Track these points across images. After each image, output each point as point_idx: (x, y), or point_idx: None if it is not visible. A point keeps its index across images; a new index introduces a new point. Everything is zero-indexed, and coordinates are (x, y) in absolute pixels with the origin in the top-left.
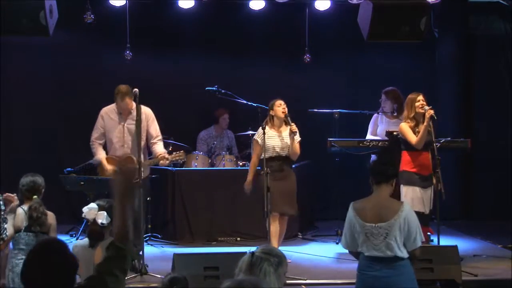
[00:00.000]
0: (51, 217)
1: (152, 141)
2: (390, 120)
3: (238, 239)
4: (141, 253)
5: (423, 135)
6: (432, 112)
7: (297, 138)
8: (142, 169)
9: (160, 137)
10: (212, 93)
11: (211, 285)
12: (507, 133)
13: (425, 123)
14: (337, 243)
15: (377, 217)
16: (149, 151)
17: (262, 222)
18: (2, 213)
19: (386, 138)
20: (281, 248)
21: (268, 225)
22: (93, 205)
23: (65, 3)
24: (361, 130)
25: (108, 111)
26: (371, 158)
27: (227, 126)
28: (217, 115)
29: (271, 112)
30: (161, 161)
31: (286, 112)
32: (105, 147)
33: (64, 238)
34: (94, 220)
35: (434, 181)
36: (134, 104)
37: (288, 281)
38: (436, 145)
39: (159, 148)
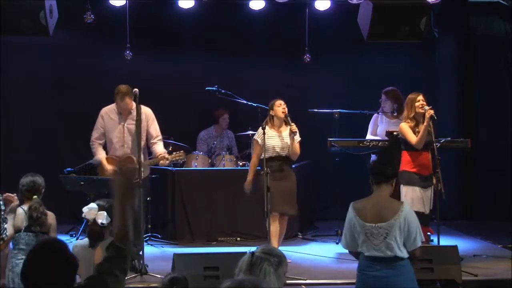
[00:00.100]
0: (51, 217)
1: (152, 141)
2: (390, 120)
3: (238, 239)
4: (141, 253)
5: (423, 135)
6: (432, 112)
7: (297, 138)
8: (142, 169)
9: (160, 137)
10: (212, 93)
11: (211, 285)
12: (507, 133)
13: (425, 123)
14: (337, 243)
15: (377, 217)
16: (149, 151)
17: (262, 222)
18: (2, 213)
19: (386, 138)
20: (281, 248)
21: (268, 225)
22: (93, 205)
23: (65, 3)
24: (361, 130)
25: (108, 111)
26: (371, 158)
27: (227, 126)
28: (217, 115)
29: (271, 112)
30: (161, 161)
31: (286, 112)
32: (105, 147)
33: (64, 238)
34: (94, 220)
35: (434, 181)
36: (134, 104)
37: (288, 281)
38: (436, 145)
39: (159, 148)
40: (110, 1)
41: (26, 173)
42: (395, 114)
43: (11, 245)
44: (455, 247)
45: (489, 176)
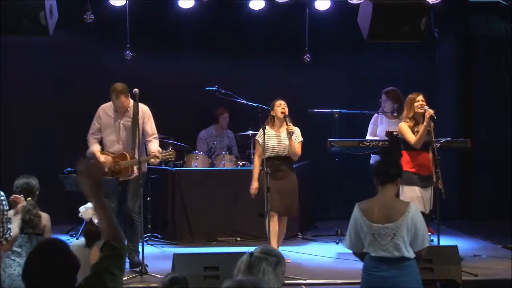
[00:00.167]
0: (45, 218)
1: (147, 139)
2: (390, 120)
3: (238, 239)
4: (140, 252)
5: (422, 135)
6: (432, 112)
7: (298, 138)
8: (136, 166)
9: (156, 135)
10: (212, 93)
11: (211, 285)
12: (507, 133)
13: (424, 123)
14: (337, 243)
15: (384, 217)
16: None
17: (262, 222)
18: (5, 213)
19: (386, 138)
20: (281, 248)
21: (268, 225)
22: (89, 204)
23: (65, 3)
24: (361, 130)
25: (106, 108)
26: (371, 158)
27: (227, 126)
28: (217, 114)
29: (272, 112)
30: (152, 160)
31: (286, 112)
32: (102, 144)
33: (64, 238)
34: (91, 220)
35: (435, 180)
36: (131, 102)
37: (288, 281)
38: (436, 145)
39: (153, 146)
40: (110, 1)
41: (21, 175)
42: (395, 114)
43: None
44: (455, 247)
45: (489, 176)
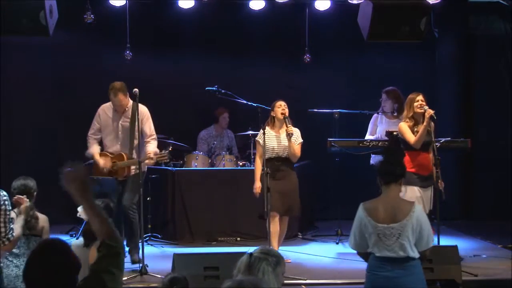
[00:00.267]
0: (43, 220)
1: (145, 140)
2: (390, 120)
3: (238, 239)
4: (140, 252)
5: (422, 135)
6: (431, 112)
7: (297, 140)
8: (133, 167)
9: (154, 136)
10: (212, 93)
11: (211, 285)
12: (507, 133)
13: (424, 123)
14: (337, 243)
15: (389, 217)
16: None
17: (262, 222)
18: (8, 213)
19: (386, 138)
20: (281, 248)
21: (268, 225)
22: None
23: (65, 3)
24: (361, 130)
25: (105, 108)
26: (371, 158)
27: (227, 126)
28: (217, 114)
29: (272, 113)
30: (147, 161)
31: (286, 113)
32: (102, 144)
33: (64, 238)
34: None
35: (435, 180)
36: (130, 102)
37: (288, 281)
38: (436, 145)
39: (149, 147)
40: (110, 1)
41: (19, 177)
42: (395, 114)
43: None
44: (455, 247)
45: (489, 176)
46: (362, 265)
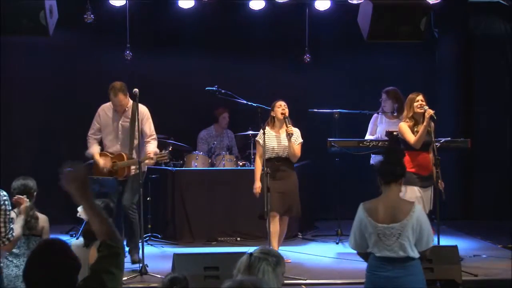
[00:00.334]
0: (43, 220)
1: (145, 140)
2: (390, 120)
3: (238, 239)
4: (140, 252)
5: (422, 135)
6: (431, 112)
7: (297, 140)
8: (133, 166)
9: (154, 136)
10: (212, 93)
11: (211, 285)
12: (507, 133)
13: (424, 123)
14: (337, 243)
15: (389, 217)
16: None
17: (262, 222)
18: (8, 213)
19: (385, 138)
20: (281, 248)
21: (268, 225)
22: None
23: (65, 3)
24: (361, 130)
25: (105, 108)
26: (371, 158)
27: (227, 125)
28: (217, 114)
29: (272, 113)
30: (147, 161)
31: (286, 113)
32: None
33: (64, 238)
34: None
35: (435, 180)
36: (130, 102)
37: (288, 281)
38: (436, 145)
39: (149, 147)
40: (110, 1)
41: (18, 176)
42: (395, 114)
43: None
44: (455, 247)
45: (489, 176)
46: (362, 265)
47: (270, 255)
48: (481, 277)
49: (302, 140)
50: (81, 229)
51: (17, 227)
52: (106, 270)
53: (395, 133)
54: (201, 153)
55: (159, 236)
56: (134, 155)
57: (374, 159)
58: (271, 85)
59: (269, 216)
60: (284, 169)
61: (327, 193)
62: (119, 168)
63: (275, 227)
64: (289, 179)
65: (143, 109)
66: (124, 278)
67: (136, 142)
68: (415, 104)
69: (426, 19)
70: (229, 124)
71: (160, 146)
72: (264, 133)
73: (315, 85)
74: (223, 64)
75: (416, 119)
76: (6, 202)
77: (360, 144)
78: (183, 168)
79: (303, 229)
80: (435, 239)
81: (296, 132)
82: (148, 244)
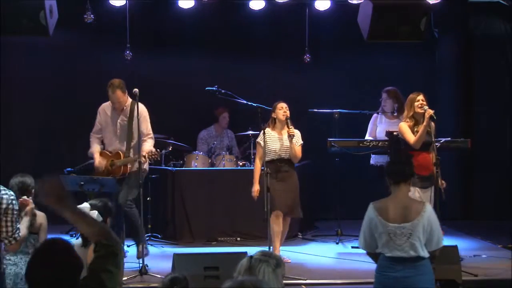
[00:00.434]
0: (41, 217)
1: (142, 139)
2: (390, 121)
3: (238, 239)
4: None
5: (421, 135)
6: (431, 112)
7: (298, 141)
8: (130, 165)
9: (151, 135)
10: (212, 93)
11: (211, 285)
12: (507, 133)
13: (424, 123)
14: (337, 243)
15: (400, 217)
16: None
17: (262, 222)
18: (15, 212)
19: (385, 138)
20: (281, 248)
21: (268, 225)
22: (85, 204)
23: (65, 3)
24: (361, 130)
25: (105, 107)
26: (371, 158)
27: (227, 125)
28: (217, 114)
29: (273, 115)
30: (140, 159)
31: (288, 115)
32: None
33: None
34: None
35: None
36: (129, 100)
37: (288, 281)
38: (436, 145)
39: (145, 146)
40: (110, 1)
41: (16, 174)
42: (395, 114)
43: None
44: (455, 247)
45: (489, 176)
46: (362, 265)
47: (270, 258)
48: (481, 277)
49: (302, 142)
50: None
51: (22, 228)
52: (104, 269)
53: (395, 133)
54: (201, 153)
55: (159, 236)
56: (131, 154)
57: (374, 159)
58: (271, 85)
59: (268, 216)
60: (286, 170)
61: (327, 193)
62: (116, 167)
63: (279, 226)
64: (291, 180)
65: (141, 108)
66: (124, 278)
67: (134, 140)
68: (416, 104)
69: (426, 19)
70: (229, 124)
71: (160, 146)
72: (264, 134)
73: (315, 85)
74: (223, 64)
75: (416, 119)
76: (14, 202)
77: (360, 144)
78: (183, 168)
79: (303, 229)
80: None
81: (297, 134)
82: (148, 244)
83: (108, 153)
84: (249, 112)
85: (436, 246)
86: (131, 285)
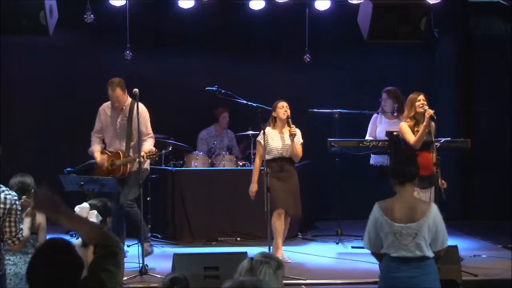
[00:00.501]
0: (40, 217)
1: (143, 138)
2: (389, 121)
3: (238, 239)
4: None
5: (421, 135)
6: (431, 112)
7: (299, 140)
8: (129, 164)
9: (151, 135)
10: (212, 93)
11: (211, 285)
12: (507, 133)
13: (424, 123)
14: (337, 243)
15: (406, 217)
16: None
17: (262, 222)
18: (19, 213)
19: (386, 138)
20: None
21: (268, 225)
22: (85, 204)
23: (65, 3)
24: (361, 130)
25: (105, 107)
26: (371, 158)
27: (227, 125)
28: (217, 114)
29: (274, 114)
30: (139, 158)
31: (289, 114)
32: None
33: None
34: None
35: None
36: (129, 100)
37: (288, 281)
38: (436, 145)
39: (144, 145)
40: (110, 1)
41: (15, 174)
42: (395, 114)
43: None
44: (455, 247)
45: (489, 176)
46: (362, 265)
47: (271, 259)
48: (481, 277)
49: (302, 141)
50: None
51: (25, 228)
52: (104, 268)
53: (395, 133)
54: (201, 153)
55: (159, 236)
56: (131, 153)
57: (374, 159)
58: (271, 85)
59: (267, 215)
60: (288, 169)
61: (327, 193)
62: (116, 167)
63: (281, 225)
64: (293, 180)
65: (141, 107)
66: (124, 278)
67: (134, 140)
68: (417, 103)
69: (426, 19)
70: (229, 124)
71: (160, 146)
72: (264, 134)
73: (315, 85)
74: (223, 64)
75: (417, 119)
76: (17, 202)
77: (360, 144)
78: (183, 168)
79: (303, 229)
80: None
81: (298, 133)
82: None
83: (108, 153)
84: (249, 112)
85: (441, 246)
86: (131, 285)
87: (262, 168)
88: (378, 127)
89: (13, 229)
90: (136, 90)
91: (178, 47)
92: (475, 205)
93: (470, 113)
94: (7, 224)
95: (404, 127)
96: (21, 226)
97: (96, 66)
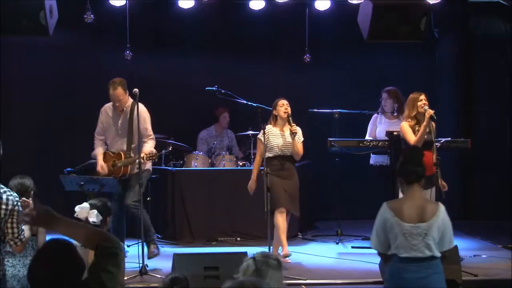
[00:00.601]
0: None
1: (143, 140)
2: (389, 121)
3: (238, 239)
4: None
5: (422, 135)
6: (431, 112)
7: (300, 138)
8: (131, 166)
9: (151, 136)
10: (212, 93)
11: (211, 285)
12: (507, 133)
13: (424, 123)
14: (337, 243)
15: (416, 217)
16: None
17: (262, 222)
18: (20, 214)
19: (385, 138)
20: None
21: (268, 225)
22: (85, 204)
23: (65, 3)
24: (361, 130)
25: (107, 107)
26: (371, 158)
27: (227, 125)
28: (217, 114)
29: (274, 112)
30: (139, 159)
31: (289, 112)
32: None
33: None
34: (86, 219)
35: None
36: (130, 101)
37: (288, 281)
38: (436, 145)
39: (145, 147)
40: (110, 1)
41: (15, 175)
42: (395, 114)
43: None
44: (455, 247)
45: (489, 176)
46: (362, 265)
47: (271, 258)
48: (481, 277)
49: (303, 139)
50: None
51: (26, 229)
52: (104, 269)
53: (395, 133)
54: (201, 153)
55: (159, 236)
56: (132, 154)
57: (374, 159)
58: (271, 85)
59: (267, 215)
60: (288, 168)
61: (327, 193)
62: (117, 167)
63: (284, 223)
64: (293, 179)
65: (141, 108)
66: (124, 278)
67: (135, 141)
68: (419, 103)
69: (426, 19)
70: (229, 124)
71: (160, 146)
72: (264, 133)
73: (315, 85)
74: (223, 64)
75: (418, 119)
76: (19, 203)
77: (360, 144)
78: (183, 168)
79: (303, 229)
80: None
81: (298, 131)
82: None
83: (111, 154)
84: (249, 112)
85: (448, 246)
86: (131, 285)
87: (262, 168)
88: (378, 127)
89: (15, 230)
90: (136, 90)
91: (178, 47)
92: (475, 205)
93: (470, 113)
94: (9, 225)
95: (405, 127)
96: (22, 227)
97: (96, 66)
